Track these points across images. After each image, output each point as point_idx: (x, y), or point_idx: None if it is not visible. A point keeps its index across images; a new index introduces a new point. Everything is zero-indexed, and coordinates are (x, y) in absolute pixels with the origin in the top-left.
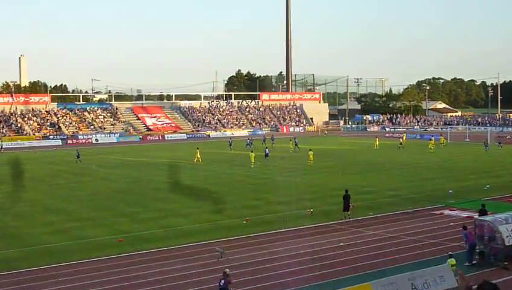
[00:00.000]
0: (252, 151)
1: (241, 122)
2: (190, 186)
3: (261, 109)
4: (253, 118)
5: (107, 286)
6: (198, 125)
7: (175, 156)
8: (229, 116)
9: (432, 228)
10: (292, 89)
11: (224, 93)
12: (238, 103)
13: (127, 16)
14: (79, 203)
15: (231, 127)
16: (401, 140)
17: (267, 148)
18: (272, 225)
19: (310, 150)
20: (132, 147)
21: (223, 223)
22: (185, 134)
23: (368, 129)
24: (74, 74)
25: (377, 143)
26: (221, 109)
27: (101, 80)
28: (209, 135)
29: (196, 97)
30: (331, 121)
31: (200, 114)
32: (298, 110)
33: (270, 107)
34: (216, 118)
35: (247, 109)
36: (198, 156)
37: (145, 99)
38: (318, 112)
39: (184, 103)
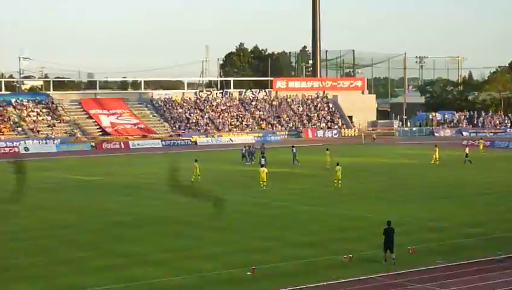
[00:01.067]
0: (262, 166)
1: (244, 123)
2: (168, 218)
3: (274, 103)
4: (262, 117)
5: None
6: (179, 127)
7: (145, 173)
8: (227, 114)
9: None
10: (322, 72)
11: (219, 78)
12: (240, 93)
13: None
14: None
15: (229, 130)
16: (466, 150)
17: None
18: (288, 277)
19: (338, 164)
20: (80, 159)
21: (215, 276)
22: (159, 140)
23: (435, 134)
24: None
25: (436, 156)
26: (214, 103)
27: (34, 58)
28: (195, 142)
29: (176, 85)
30: (380, 121)
31: (182, 110)
32: (331, 105)
33: (289, 99)
34: (207, 116)
35: (254, 103)
36: (198, 173)
37: (100, 88)
38: (361, 107)
39: (158, 94)
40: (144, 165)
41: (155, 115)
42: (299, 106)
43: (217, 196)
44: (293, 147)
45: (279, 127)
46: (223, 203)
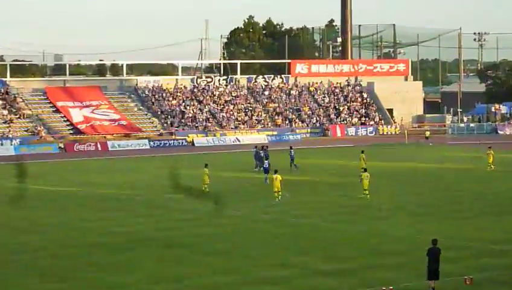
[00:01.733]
0: (276, 172)
1: (254, 119)
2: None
3: (293, 92)
4: (278, 110)
5: None
6: (171, 124)
7: (129, 181)
8: (232, 106)
9: None
10: (353, 54)
11: (223, 61)
12: (250, 80)
13: None
14: None
15: (236, 128)
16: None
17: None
18: None
19: (365, 170)
20: (46, 164)
21: None
22: (146, 140)
23: (499, 131)
24: None
25: (491, 160)
26: (216, 93)
27: None
28: (192, 142)
29: (168, 70)
30: (428, 115)
31: (175, 102)
32: (365, 95)
33: (312, 88)
34: (207, 109)
35: (267, 93)
36: (207, 181)
37: (70, 74)
38: (403, 97)
39: (145, 81)
40: (128, 172)
41: (141, 108)
42: (324, 96)
43: (217, 195)
44: (291, 148)
45: (300, 123)
46: (223, 202)
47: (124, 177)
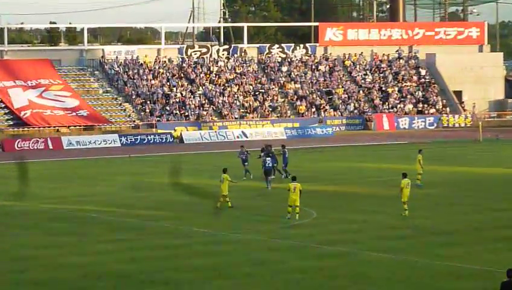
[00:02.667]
0: (294, 179)
1: (267, 105)
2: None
3: (321, 68)
4: (300, 93)
5: None
6: (151, 112)
7: (91, 194)
8: (237, 88)
9: None
10: (406, 14)
11: (223, 24)
12: (262, 51)
13: None
14: None
15: (241, 118)
16: None
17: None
18: None
19: (404, 176)
20: None
21: None
22: (116, 135)
23: None
24: None
25: None
26: (213, 69)
27: None
28: (179, 138)
29: (146, 37)
30: (510, 100)
31: (156, 82)
32: (423, 72)
33: (348, 62)
34: (201, 92)
35: (285, 69)
36: (226, 192)
37: (10, 42)
38: (477, 75)
39: (114, 52)
40: (88, 180)
41: (108, 90)
42: (366, 74)
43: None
44: (283, 147)
45: (331, 111)
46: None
47: (83, 188)
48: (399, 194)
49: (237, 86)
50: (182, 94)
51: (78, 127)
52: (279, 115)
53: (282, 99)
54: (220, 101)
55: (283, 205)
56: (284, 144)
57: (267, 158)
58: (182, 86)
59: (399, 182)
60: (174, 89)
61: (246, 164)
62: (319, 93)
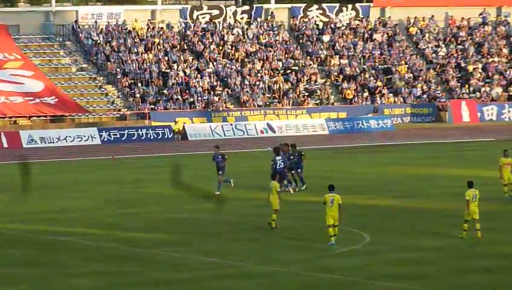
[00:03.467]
0: (332, 189)
1: (303, 87)
2: None
3: (376, 37)
4: (348, 72)
5: None
6: (143, 98)
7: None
8: (261, 64)
9: None
10: None
11: None
12: (294, 14)
13: None
14: None
15: (266, 106)
16: None
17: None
18: None
19: (470, 185)
20: None
21: None
22: (95, 128)
23: None
24: None
25: None
26: (229, 38)
27: None
28: (182, 133)
29: None
30: None
31: (150, 56)
32: None
33: (414, 28)
34: (211, 69)
35: (328, 38)
36: (277, 206)
37: None
38: None
39: (92, 15)
40: (57, 190)
41: (84, 66)
42: (438, 46)
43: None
44: (293, 147)
45: (390, 97)
46: (223, 202)
47: (50, 201)
48: (465, 212)
49: (261, 62)
50: (185, 73)
51: (42, 118)
52: (318, 101)
53: (323, 80)
54: (238, 83)
55: (316, 225)
56: (293, 143)
57: (277, 157)
58: (186, 61)
59: (465, 193)
60: (175, 65)
61: (220, 172)
62: (373, 71)
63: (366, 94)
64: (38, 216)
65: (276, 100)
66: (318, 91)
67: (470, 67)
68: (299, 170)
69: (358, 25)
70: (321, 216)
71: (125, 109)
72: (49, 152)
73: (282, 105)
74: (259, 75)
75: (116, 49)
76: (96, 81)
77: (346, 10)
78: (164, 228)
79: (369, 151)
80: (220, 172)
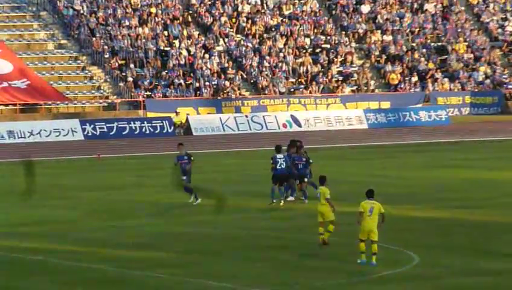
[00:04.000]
0: (370, 195)
1: (335, 70)
2: None
3: (428, 8)
4: (392, 50)
5: None
6: (136, 83)
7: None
8: (284, 40)
9: None
10: None
11: None
12: None
13: None
14: None
15: (289, 92)
16: None
17: None
18: None
19: None
20: None
21: None
22: (76, 120)
23: None
24: None
25: None
26: (244, 7)
27: None
28: (184, 125)
29: None
30: None
31: (147, 30)
32: None
33: None
34: (221, 47)
35: (367, 8)
36: (331, 217)
37: None
38: None
39: None
40: (31, 199)
41: (63, 43)
42: (506, 19)
43: (219, 193)
44: (298, 146)
45: (446, 82)
46: (225, 201)
47: (20, 211)
48: None
49: (284, 39)
50: (189, 52)
51: (11, 107)
52: (356, 88)
53: (361, 62)
54: (255, 64)
55: (350, 242)
56: (301, 140)
57: (278, 155)
58: (190, 37)
59: None
60: (176, 42)
61: (184, 178)
62: (424, 50)
63: (414, 79)
64: (5, 229)
65: (302, 86)
66: (355, 75)
67: None
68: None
69: None
70: (356, 231)
71: (114, 97)
72: (19, 150)
73: (310, 92)
74: (281, 54)
75: (104, 22)
76: (79, 62)
77: None
78: (162, 244)
79: (418, 150)
80: (184, 177)
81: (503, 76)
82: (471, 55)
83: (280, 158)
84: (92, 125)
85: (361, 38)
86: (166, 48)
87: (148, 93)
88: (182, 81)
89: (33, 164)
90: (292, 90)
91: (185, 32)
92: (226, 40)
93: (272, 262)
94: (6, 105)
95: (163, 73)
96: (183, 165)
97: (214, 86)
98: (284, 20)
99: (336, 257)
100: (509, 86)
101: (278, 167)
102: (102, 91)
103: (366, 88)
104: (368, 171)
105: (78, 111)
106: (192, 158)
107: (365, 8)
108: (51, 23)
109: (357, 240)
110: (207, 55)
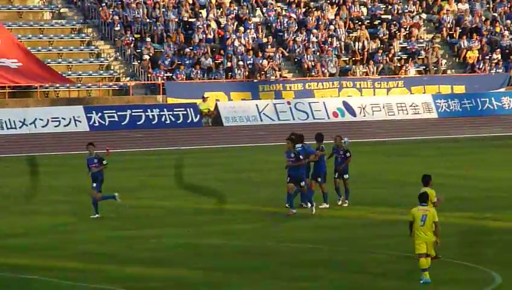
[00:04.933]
0: (423, 199)
1: (398, 47)
2: None
3: None
4: (468, 23)
5: None
6: (153, 63)
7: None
8: (333, 10)
9: None
10: None
11: None
12: None
13: None
14: None
15: (343, 74)
16: None
17: None
18: None
19: None
20: None
21: None
22: (80, 107)
23: None
24: None
25: None
26: None
27: None
28: (212, 115)
29: None
30: None
31: (170, 2)
32: None
33: None
34: (257, 19)
35: None
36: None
37: None
38: None
39: None
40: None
41: (64, 11)
42: None
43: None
44: (340, 141)
45: None
46: (224, 199)
47: (11, 218)
48: None
49: (335, 8)
50: (218, 24)
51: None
52: (423, 68)
53: (430, 36)
54: (299, 40)
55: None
56: (340, 136)
57: (297, 145)
58: (220, 6)
59: None
60: (203, 12)
61: (94, 185)
62: (508, 22)
63: (496, 57)
64: None
65: (356, 67)
66: (422, 53)
67: None
68: (319, 179)
69: None
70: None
71: (127, 79)
72: (8, 143)
73: (367, 74)
74: (331, 27)
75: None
76: (83, 35)
77: None
78: (181, 259)
79: (500, 145)
80: (94, 184)
81: None
82: None
83: (298, 147)
84: (100, 114)
85: (431, 7)
86: (190, 19)
87: (169, 74)
88: (209, 60)
89: (37, 163)
90: (345, 71)
91: (213, 0)
92: (264, 9)
93: (320, 282)
94: None
95: (187, 50)
96: (93, 169)
97: (249, 66)
98: None
99: (395, 273)
100: None
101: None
102: (112, 72)
103: (435, 69)
104: (436, 171)
105: (83, 96)
106: (104, 162)
107: None
108: None
109: (416, 256)
110: (241, 28)
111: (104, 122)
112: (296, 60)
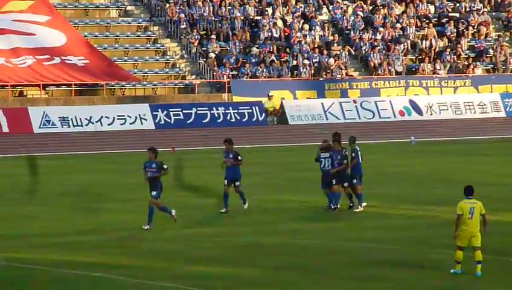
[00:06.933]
0: (469, 192)
1: (464, 47)
2: None
3: None
4: None
5: None
6: (219, 61)
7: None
8: (401, 7)
9: None
10: None
11: None
12: None
13: None
14: None
15: (410, 73)
16: None
17: None
18: None
19: None
20: None
21: None
22: (146, 104)
23: None
24: None
25: None
26: None
27: None
28: (277, 113)
29: None
30: None
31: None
32: None
33: None
34: (324, 17)
35: None
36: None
37: None
38: None
39: None
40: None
41: (130, 9)
42: None
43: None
44: (354, 143)
45: None
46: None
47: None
48: None
49: (402, 6)
50: (284, 22)
51: (64, 88)
52: (491, 67)
53: (499, 34)
54: (366, 38)
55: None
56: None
57: (322, 153)
58: (286, 4)
59: None
60: (269, 10)
61: (154, 193)
62: None
63: None
64: (56, 239)
65: (423, 65)
66: (490, 51)
67: None
68: (355, 181)
69: None
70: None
71: (193, 77)
72: (72, 140)
73: (434, 73)
74: (398, 25)
75: None
76: (149, 33)
77: None
78: (249, 258)
79: None
80: (154, 193)
81: None
82: None
83: (325, 157)
84: (165, 112)
85: (499, 4)
86: (256, 17)
87: (234, 72)
88: (275, 58)
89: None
90: (412, 69)
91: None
92: (331, 7)
93: (389, 282)
94: (58, 85)
95: (253, 48)
96: (150, 174)
97: (315, 65)
98: None
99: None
100: None
101: (322, 167)
102: (177, 70)
103: (504, 67)
104: (504, 170)
105: (148, 94)
106: (165, 166)
107: None
108: None
109: (455, 247)
110: (306, 26)
111: (169, 121)
112: (362, 58)
